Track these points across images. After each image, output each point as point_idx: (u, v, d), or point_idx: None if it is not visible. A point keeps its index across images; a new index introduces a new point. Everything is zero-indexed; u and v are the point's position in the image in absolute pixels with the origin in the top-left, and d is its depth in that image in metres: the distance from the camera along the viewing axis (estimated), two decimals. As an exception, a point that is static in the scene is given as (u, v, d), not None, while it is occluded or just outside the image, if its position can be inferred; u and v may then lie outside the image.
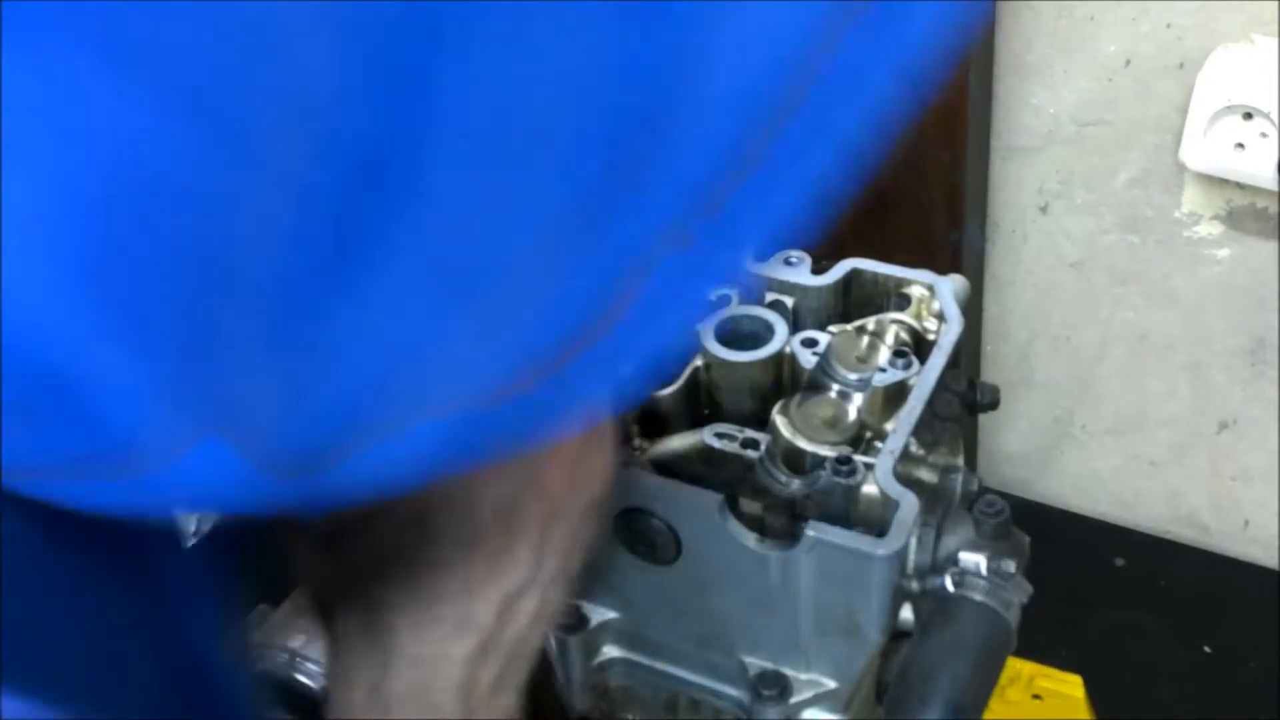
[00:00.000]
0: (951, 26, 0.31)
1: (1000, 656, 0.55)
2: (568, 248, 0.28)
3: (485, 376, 0.30)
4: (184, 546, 0.35)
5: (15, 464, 0.26)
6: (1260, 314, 1.12)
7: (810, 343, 0.61)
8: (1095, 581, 1.22)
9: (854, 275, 0.65)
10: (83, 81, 0.20)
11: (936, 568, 0.55)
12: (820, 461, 0.56)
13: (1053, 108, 1.10)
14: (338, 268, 0.25)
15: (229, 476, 0.28)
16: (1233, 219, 1.09)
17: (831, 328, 0.63)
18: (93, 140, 0.21)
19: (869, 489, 0.55)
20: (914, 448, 0.59)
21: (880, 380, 0.59)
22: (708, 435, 0.58)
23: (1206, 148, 1.02)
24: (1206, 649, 1.16)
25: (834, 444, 0.57)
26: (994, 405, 0.63)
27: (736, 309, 0.62)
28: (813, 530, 0.54)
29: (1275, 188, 1.01)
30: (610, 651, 0.65)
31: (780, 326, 0.61)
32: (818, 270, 0.65)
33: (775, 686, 0.59)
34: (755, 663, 0.60)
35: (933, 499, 0.57)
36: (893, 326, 0.62)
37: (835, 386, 0.60)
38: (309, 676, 0.68)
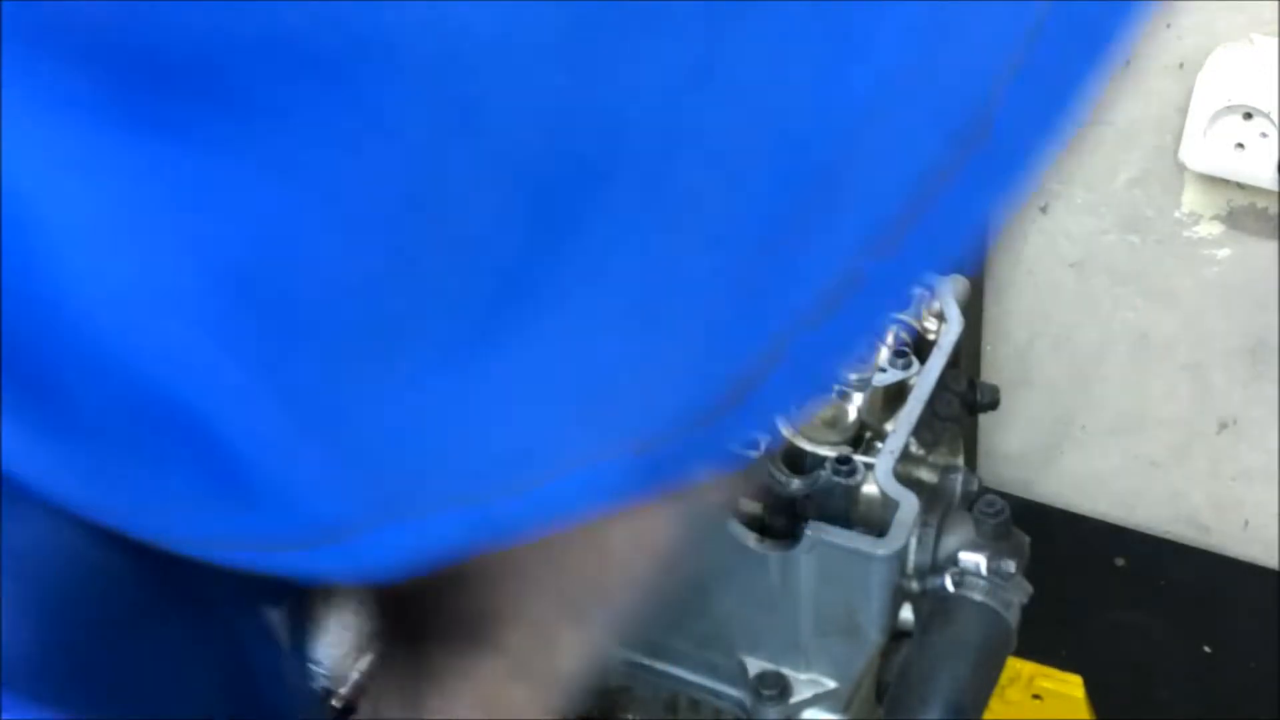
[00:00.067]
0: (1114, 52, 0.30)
1: (1000, 656, 0.55)
2: (743, 296, 0.27)
3: (651, 423, 0.29)
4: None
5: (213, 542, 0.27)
6: (1260, 314, 1.12)
7: (810, 343, 0.61)
8: (1095, 581, 1.22)
9: (854, 275, 0.65)
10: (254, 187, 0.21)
11: (936, 568, 0.55)
12: (820, 461, 0.56)
13: (1053, 108, 1.10)
14: (499, 324, 0.25)
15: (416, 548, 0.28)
16: (1233, 219, 1.09)
17: (831, 328, 0.63)
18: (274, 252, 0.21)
19: (869, 489, 0.55)
20: (914, 448, 0.59)
21: (880, 380, 0.59)
22: (708, 435, 0.58)
23: (1206, 148, 1.02)
24: (1206, 649, 1.16)
25: (834, 444, 0.57)
26: (994, 405, 0.63)
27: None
28: (813, 530, 0.54)
29: (1275, 188, 1.01)
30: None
31: (780, 326, 0.61)
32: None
33: (775, 686, 0.59)
34: (755, 663, 0.60)
35: (933, 499, 0.57)
36: (893, 326, 0.62)
37: (835, 386, 0.60)
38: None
